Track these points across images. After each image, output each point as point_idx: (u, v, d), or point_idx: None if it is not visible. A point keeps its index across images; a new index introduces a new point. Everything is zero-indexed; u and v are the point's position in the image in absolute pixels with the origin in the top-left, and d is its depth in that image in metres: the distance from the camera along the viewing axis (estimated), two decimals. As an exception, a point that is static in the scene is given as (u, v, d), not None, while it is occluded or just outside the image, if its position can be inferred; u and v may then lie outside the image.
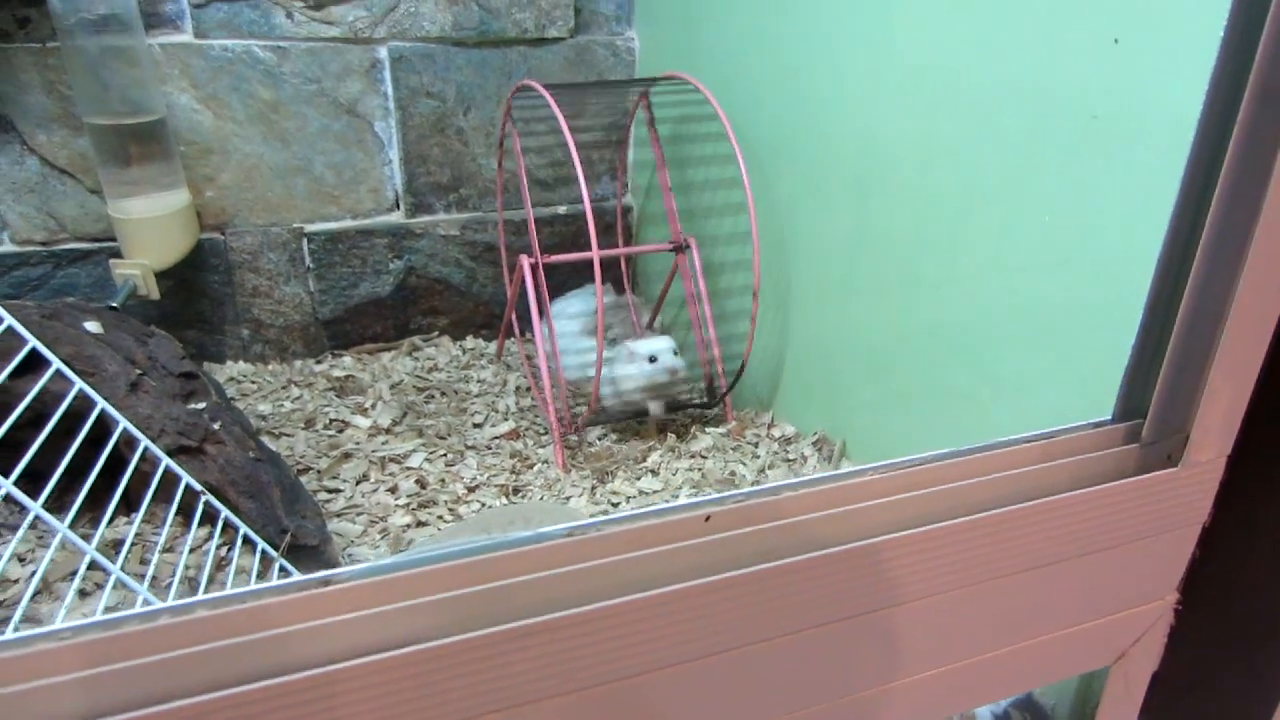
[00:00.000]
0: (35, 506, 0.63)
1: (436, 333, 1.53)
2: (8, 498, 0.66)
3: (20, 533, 0.68)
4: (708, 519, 0.51)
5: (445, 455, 1.19)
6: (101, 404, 0.81)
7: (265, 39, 1.28)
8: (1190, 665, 0.68)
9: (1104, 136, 0.70)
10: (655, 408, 1.18)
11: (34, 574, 0.90)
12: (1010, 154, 0.79)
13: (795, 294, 1.15)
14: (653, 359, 1.15)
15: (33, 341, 0.77)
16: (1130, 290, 0.56)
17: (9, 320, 0.76)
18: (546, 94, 1.10)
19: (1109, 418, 0.63)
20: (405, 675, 0.37)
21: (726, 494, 0.52)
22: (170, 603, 0.36)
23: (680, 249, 1.24)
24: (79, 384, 0.80)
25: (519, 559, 0.43)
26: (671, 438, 1.16)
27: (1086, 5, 0.70)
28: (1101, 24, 0.69)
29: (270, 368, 1.44)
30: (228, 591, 0.37)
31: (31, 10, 1.17)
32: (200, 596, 0.37)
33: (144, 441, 0.85)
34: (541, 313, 1.18)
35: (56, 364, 0.79)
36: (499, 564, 0.42)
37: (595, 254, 1.05)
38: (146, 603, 0.80)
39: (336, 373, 1.41)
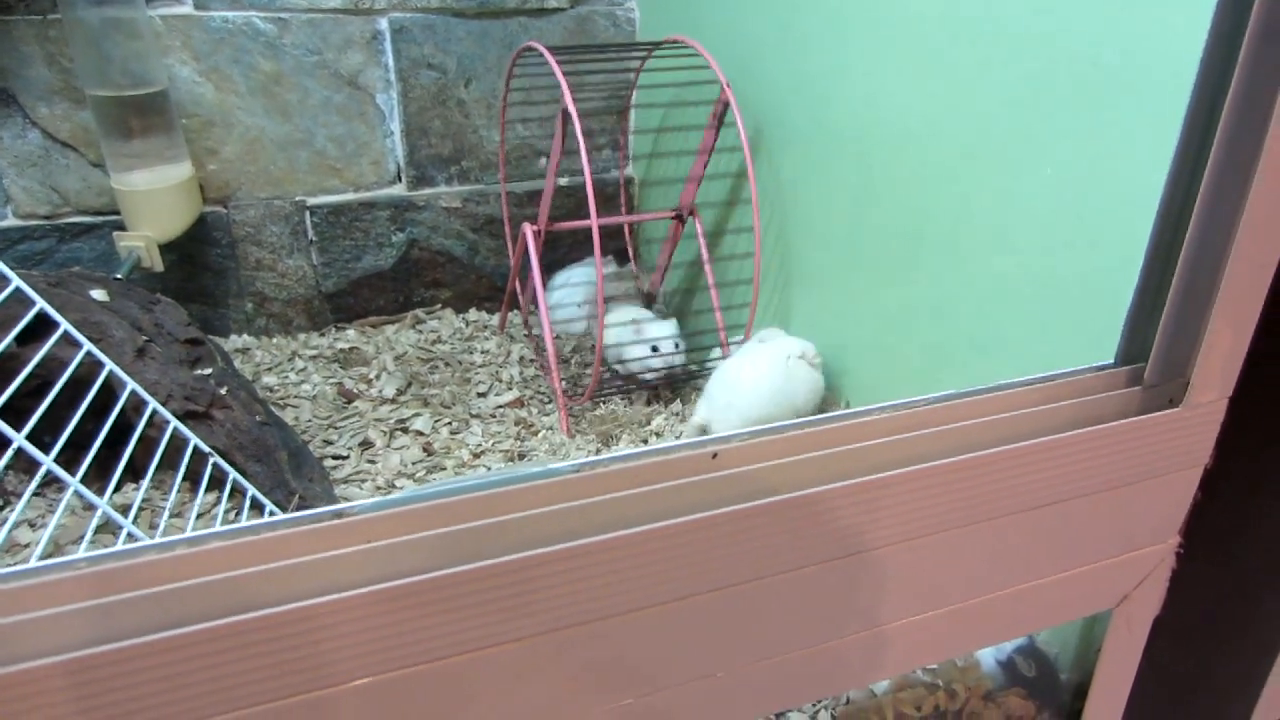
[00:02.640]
0: (48, 461, 0.64)
1: (439, 305, 1.54)
2: (18, 456, 0.67)
3: (31, 488, 0.69)
4: (715, 456, 0.52)
5: (450, 423, 1.20)
6: (110, 366, 0.82)
7: (265, 10, 1.28)
8: (1193, 609, 0.69)
9: (1106, 85, 0.70)
10: (653, 376, 1.20)
11: (43, 538, 0.91)
12: (1012, 109, 0.79)
13: (797, 261, 1.15)
14: (654, 348, 1.16)
15: (40, 303, 0.78)
16: (1135, 246, 0.57)
17: (16, 282, 0.77)
18: (549, 55, 1.10)
19: (1111, 361, 0.63)
20: (406, 606, 0.38)
21: (733, 434, 0.52)
22: (188, 535, 0.37)
23: (679, 217, 1.24)
24: (87, 345, 0.80)
25: (526, 493, 0.44)
26: (676, 402, 1.16)
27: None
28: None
29: (274, 340, 1.44)
30: (244, 524, 0.37)
31: (32, -19, 1.17)
32: (215, 529, 0.37)
33: (152, 404, 0.85)
34: (545, 280, 1.18)
35: (65, 325, 0.79)
36: (504, 498, 0.43)
37: (594, 221, 1.05)
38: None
39: (340, 345, 1.42)
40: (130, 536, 0.73)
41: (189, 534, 0.36)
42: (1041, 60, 0.75)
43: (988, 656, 0.77)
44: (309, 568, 0.37)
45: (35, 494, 0.97)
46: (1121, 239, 0.72)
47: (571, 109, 1.04)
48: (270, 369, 1.35)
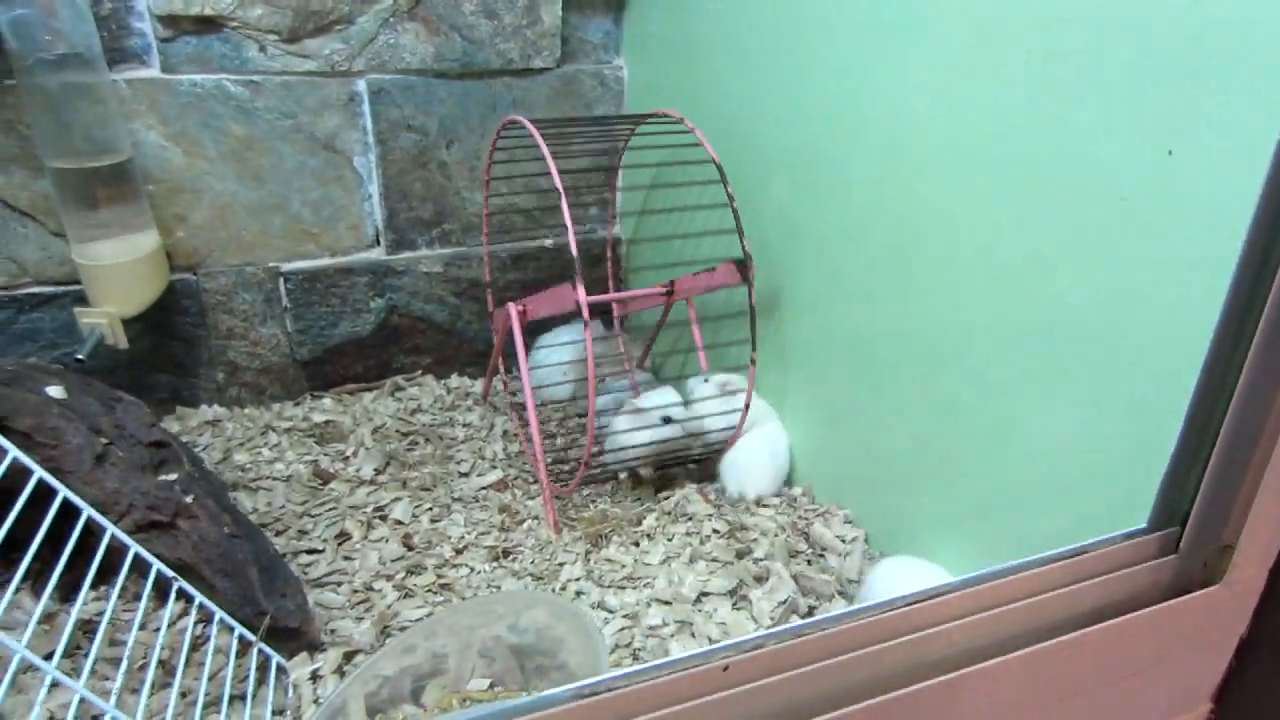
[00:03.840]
0: (20, 649, 0.58)
1: (420, 371, 1.48)
2: None
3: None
4: (726, 669, 0.48)
5: (431, 509, 1.15)
6: (64, 492, 0.76)
7: (237, 73, 1.22)
8: (1224, 775, 0.64)
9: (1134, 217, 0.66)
10: (647, 472, 1.15)
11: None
12: (1033, 225, 0.75)
13: (792, 349, 1.11)
14: (667, 420, 1.11)
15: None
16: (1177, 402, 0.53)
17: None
18: (533, 129, 1.05)
19: (1144, 526, 0.59)
20: None
21: (743, 639, 0.48)
22: None
23: (669, 294, 1.20)
24: (39, 472, 0.74)
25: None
26: (670, 498, 1.11)
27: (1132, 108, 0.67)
28: (1150, 132, 0.65)
29: (247, 411, 1.38)
30: None
31: (-13, 47, 1.11)
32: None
33: (110, 529, 0.79)
34: (528, 348, 1.13)
35: (13, 453, 0.73)
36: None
37: (583, 299, 1.00)
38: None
39: (316, 416, 1.36)
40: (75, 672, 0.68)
41: None
42: (1071, 193, 0.72)
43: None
44: None
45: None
46: (1159, 392, 0.68)
47: (559, 185, 0.99)
48: (242, 444, 1.29)
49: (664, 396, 1.19)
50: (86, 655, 0.77)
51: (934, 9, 0.80)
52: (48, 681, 0.65)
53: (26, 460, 0.75)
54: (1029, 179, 0.74)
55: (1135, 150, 0.65)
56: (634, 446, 1.12)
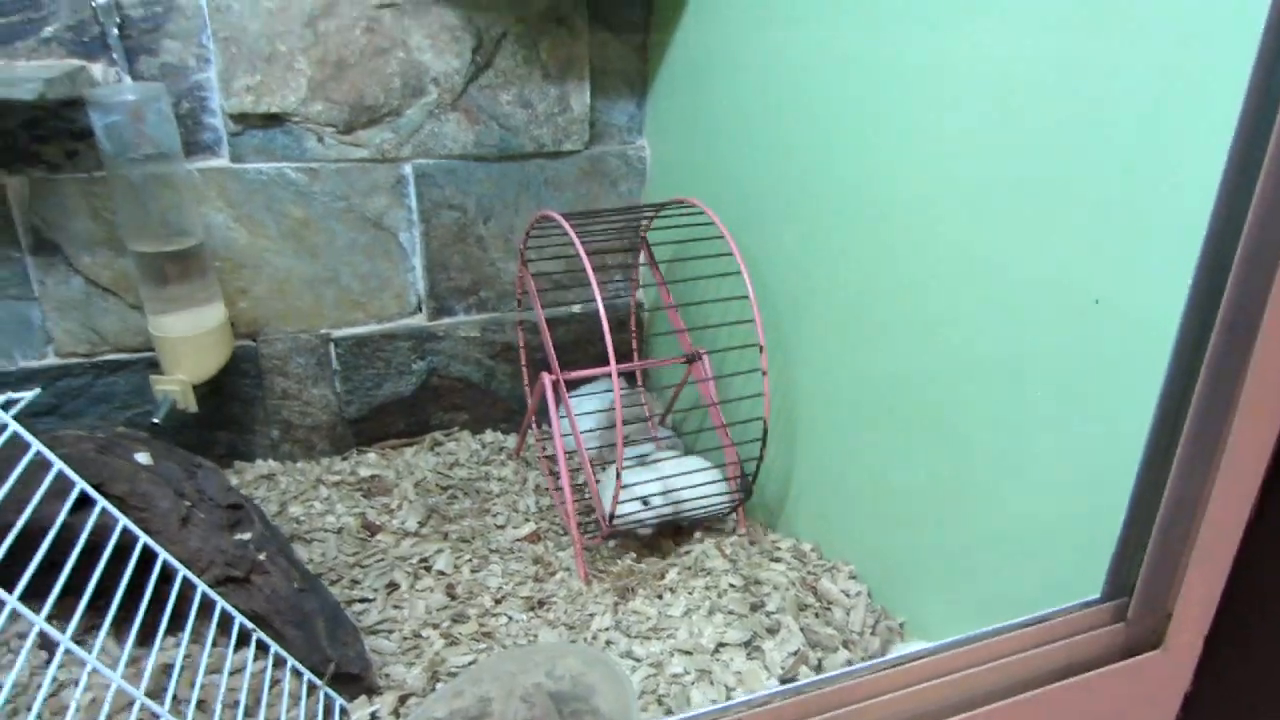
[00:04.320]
0: (64, 639, 0.70)
1: (457, 427, 1.59)
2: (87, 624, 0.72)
3: (87, 670, 0.74)
4: (739, 724, 0.57)
5: (470, 560, 1.25)
6: (163, 555, 0.87)
7: (298, 161, 1.35)
8: (1176, 817, 0.73)
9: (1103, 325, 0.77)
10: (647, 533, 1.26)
11: (95, 700, 0.96)
12: (1016, 331, 0.85)
13: (802, 415, 1.21)
14: (645, 501, 1.23)
15: (81, 484, 0.84)
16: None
17: (59, 466, 0.83)
18: (565, 223, 1.17)
19: (1098, 596, 0.69)
20: None
21: (733, 703, 0.58)
22: None
23: (691, 360, 1.31)
24: (144, 539, 0.86)
25: None
26: (689, 552, 1.21)
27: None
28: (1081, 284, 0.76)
29: (299, 465, 1.50)
30: None
31: (79, 144, 1.24)
32: None
33: (200, 585, 0.90)
34: (563, 430, 1.24)
35: (124, 521, 0.85)
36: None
37: (613, 368, 1.11)
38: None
39: (362, 470, 1.47)
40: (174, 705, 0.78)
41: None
42: (1051, 299, 0.82)
43: None
44: None
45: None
46: (1113, 480, 0.78)
47: (591, 277, 1.11)
48: (296, 497, 1.40)
49: (656, 471, 1.28)
50: (166, 695, 0.88)
51: (939, 90, 0.90)
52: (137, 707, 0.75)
53: (133, 528, 0.87)
54: (1013, 294, 0.84)
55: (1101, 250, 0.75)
56: (634, 514, 1.22)
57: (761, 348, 1.17)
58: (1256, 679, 0.69)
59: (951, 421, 0.93)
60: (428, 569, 1.23)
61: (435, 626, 1.11)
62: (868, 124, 1.00)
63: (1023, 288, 0.83)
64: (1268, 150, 0.50)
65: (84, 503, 0.89)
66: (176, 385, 1.29)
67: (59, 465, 0.86)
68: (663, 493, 1.23)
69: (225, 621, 0.95)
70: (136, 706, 0.76)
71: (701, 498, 1.24)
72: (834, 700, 0.58)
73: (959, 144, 0.88)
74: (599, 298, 1.10)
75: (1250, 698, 0.70)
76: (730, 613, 1.06)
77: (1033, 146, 0.79)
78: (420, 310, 1.51)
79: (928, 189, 0.93)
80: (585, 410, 1.48)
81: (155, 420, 1.26)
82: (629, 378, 1.62)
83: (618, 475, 1.14)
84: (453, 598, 1.17)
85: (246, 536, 1.04)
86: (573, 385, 1.51)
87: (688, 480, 1.24)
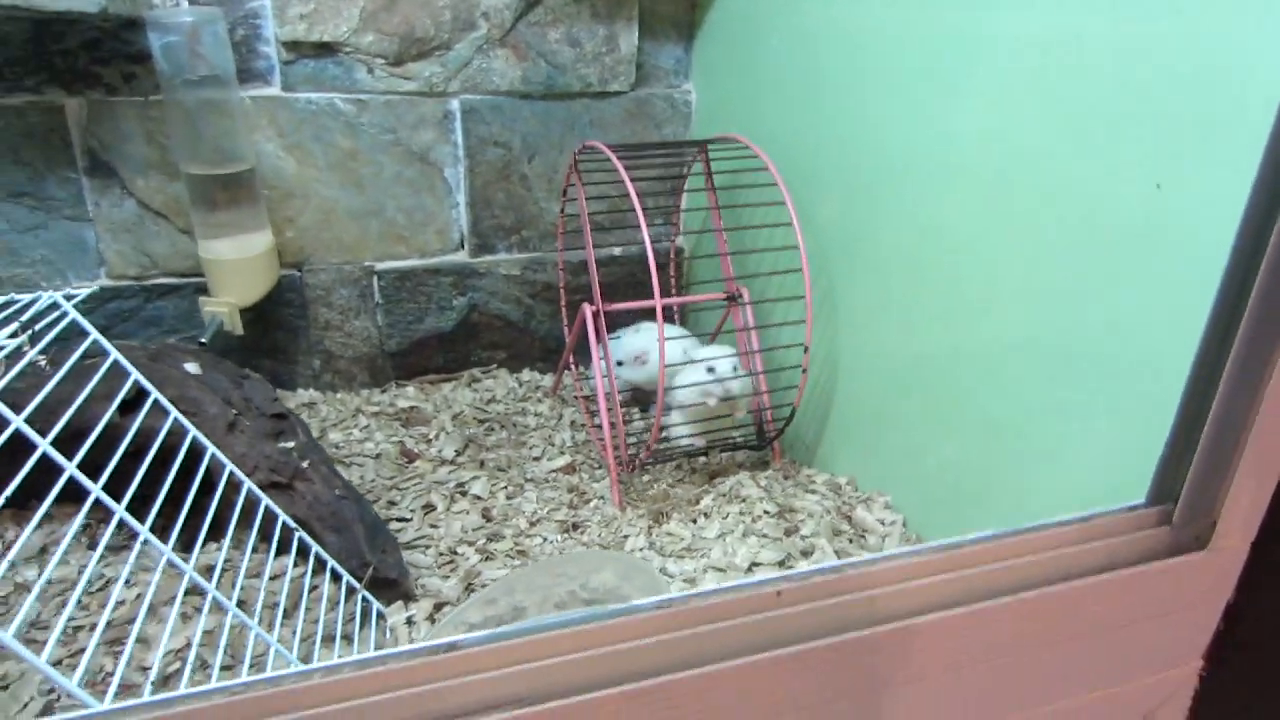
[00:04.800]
0: (144, 530, 0.72)
1: (495, 365, 1.61)
2: (121, 524, 0.75)
3: (132, 556, 0.76)
4: (779, 594, 0.58)
5: (506, 487, 1.27)
6: (211, 449, 0.90)
7: (347, 92, 1.37)
8: (1215, 727, 0.73)
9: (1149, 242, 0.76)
10: (701, 441, 1.25)
11: (140, 595, 0.99)
12: (1072, 229, 0.84)
13: (843, 352, 1.21)
14: (710, 369, 1.21)
15: (135, 374, 0.86)
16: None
17: (115, 355, 0.85)
18: (611, 154, 1.17)
19: (1143, 500, 0.69)
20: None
21: (795, 572, 0.58)
22: (318, 664, 0.43)
23: (733, 299, 1.31)
24: (192, 431, 0.88)
25: (602, 632, 0.50)
26: (725, 481, 1.22)
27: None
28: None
29: (339, 396, 1.52)
30: (370, 654, 0.44)
31: (136, 67, 1.27)
32: (349, 659, 0.44)
33: (246, 483, 0.93)
34: (602, 356, 1.25)
35: (174, 414, 0.87)
36: (587, 635, 0.50)
37: (658, 301, 1.12)
38: (241, 625, 0.88)
39: (401, 402, 1.49)
40: (215, 603, 0.80)
41: (321, 665, 0.43)
42: (1106, 180, 0.81)
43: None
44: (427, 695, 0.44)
45: (123, 546, 1.05)
46: (1163, 383, 0.77)
47: (637, 205, 1.11)
48: (335, 424, 1.43)
49: (717, 351, 1.27)
50: (205, 598, 0.90)
51: (987, 43, 0.89)
52: (208, 601, 0.78)
53: (185, 422, 0.89)
54: (1059, 191, 0.83)
55: (1127, 184, 0.74)
56: (681, 387, 1.22)
57: (807, 289, 1.17)
58: (1302, 591, 0.68)
59: (999, 359, 0.93)
60: (464, 493, 1.25)
61: (471, 544, 1.13)
62: (924, 81, 0.99)
63: (1077, 246, 0.82)
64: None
65: (132, 405, 0.92)
66: (224, 307, 1.31)
67: (114, 354, 0.88)
68: (711, 381, 1.22)
69: (266, 528, 0.97)
70: (208, 600, 0.79)
71: (744, 392, 1.23)
72: (886, 576, 0.58)
73: (1020, 107, 0.87)
74: (644, 225, 1.10)
75: (1295, 610, 0.69)
76: (764, 536, 1.06)
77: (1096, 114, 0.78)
78: (463, 247, 1.52)
79: (986, 153, 0.92)
80: (626, 347, 1.48)
81: (202, 340, 1.29)
82: (668, 319, 1.62)
83: (658, 405, 1.15)
84: (488, 519, 1.19)
85: (290, 445, 1.06)
86: (612, 325, 1.52)
87: (733, 363, 1.23)
